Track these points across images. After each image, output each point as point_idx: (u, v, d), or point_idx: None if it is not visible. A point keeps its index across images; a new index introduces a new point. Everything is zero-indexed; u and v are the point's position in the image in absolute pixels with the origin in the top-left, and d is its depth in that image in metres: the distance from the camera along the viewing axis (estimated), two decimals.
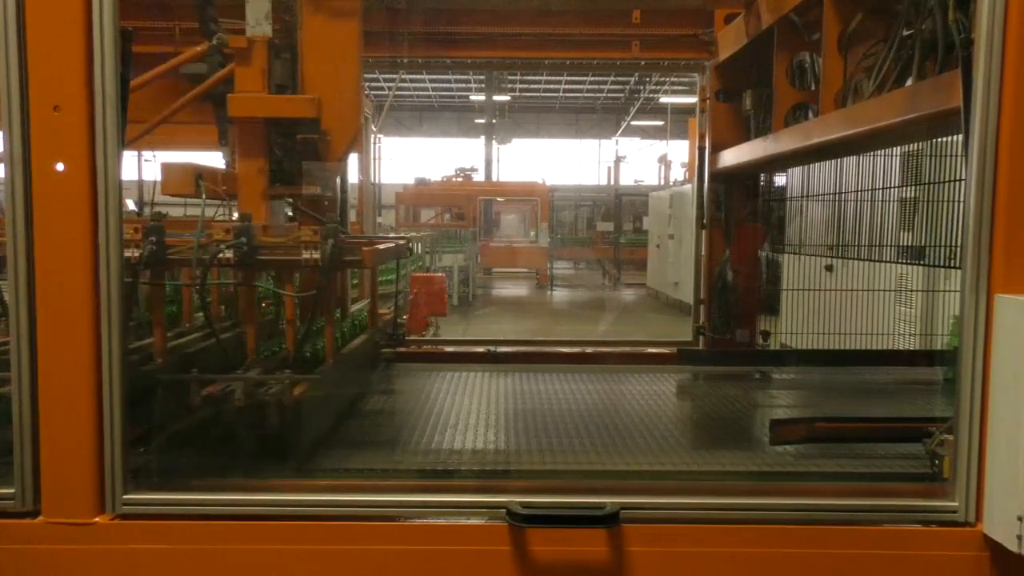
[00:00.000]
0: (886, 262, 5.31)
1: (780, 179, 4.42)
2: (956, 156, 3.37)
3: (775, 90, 3.41)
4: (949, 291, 5.96)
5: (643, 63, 4.24)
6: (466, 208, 21.16)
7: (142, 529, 1.93)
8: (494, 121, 27.70)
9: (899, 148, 3.90)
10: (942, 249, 3.88)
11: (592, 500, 1.96)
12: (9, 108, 1.84)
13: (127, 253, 2.19)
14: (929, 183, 3.93)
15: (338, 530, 1.94)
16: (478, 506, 2.00)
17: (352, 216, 4.86)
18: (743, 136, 3.92)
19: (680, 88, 26.04)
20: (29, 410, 1.90)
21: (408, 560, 1.94)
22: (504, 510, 1.92)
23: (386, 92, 21.51)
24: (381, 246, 3.08)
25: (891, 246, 4.39)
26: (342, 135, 2.83)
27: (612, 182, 29.26)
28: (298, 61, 2.81)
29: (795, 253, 5.00)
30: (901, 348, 6.29)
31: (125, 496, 1.92)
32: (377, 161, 9.33)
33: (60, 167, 1.86)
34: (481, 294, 19.04)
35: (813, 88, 3.38)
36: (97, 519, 1.92)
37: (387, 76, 21.51)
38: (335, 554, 1.94)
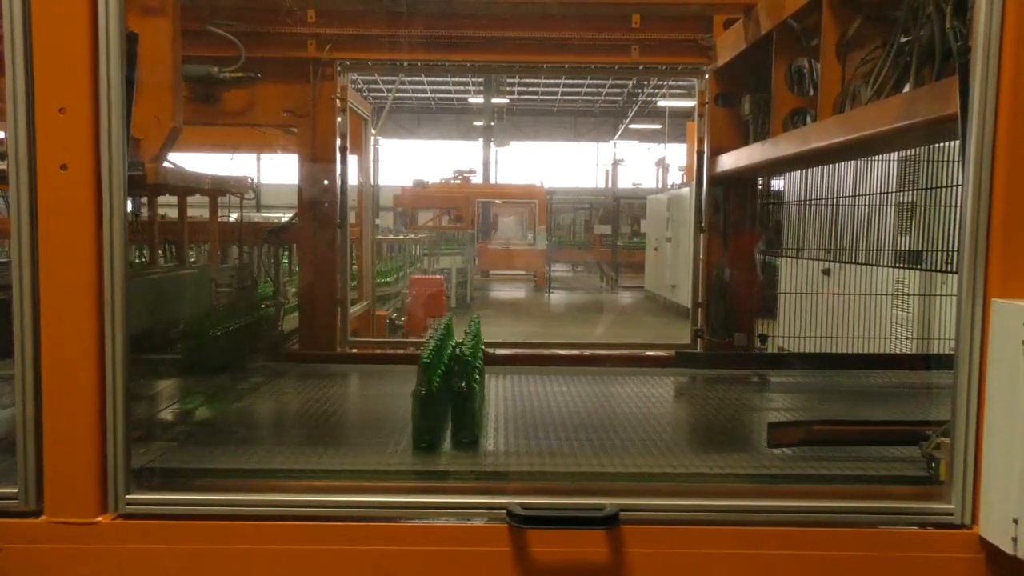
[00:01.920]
0: (883, 266, 5.34)
1: (778, 183, 4.45)
2: (952, 161, 3.40)
3: (774, 95, 3.43)
4: (946, 295, 5.99)
5: (640, 67, 4.26)
6: (464, 210, 21.20)
7: (145, 529, 1.94)
8: (492, 124, 27.72)
9: (896, 153, 3.93)
10: (938, 254, 3.91)
11: (592, 501, 1.98)
12: (15, 110, 1.86)
13: None
14: (926, 188, 3.95)
15: (340, 531, 1.95)
16: (478, 507, 2.01)
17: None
18: (741, 140, 3.94)
19: (678, 92, 26.09)
20: (32, 409, 1.91)
21: (409, 561, 1.95)
22: (504, 511, 1.93)
23: (385, 95, 21.54)
24: None
25: (888, 250, 4.42)
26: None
27: (610, 185, 29.30)
28: None
29: (792, 257, 5.03)
30: (898, 352, 6.31)
31: (128, 496, 1.94)
32: (375, 163, 9.34)
33: (65, 169, 1.87)
34: (479, 296, 19.06)
35: (811, 93, 3.40)
36: (100, 519, 1.93)
37: (386, 79, 21.55)
38: (336, 554, 1.95)
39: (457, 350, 2.58)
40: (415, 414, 2.40)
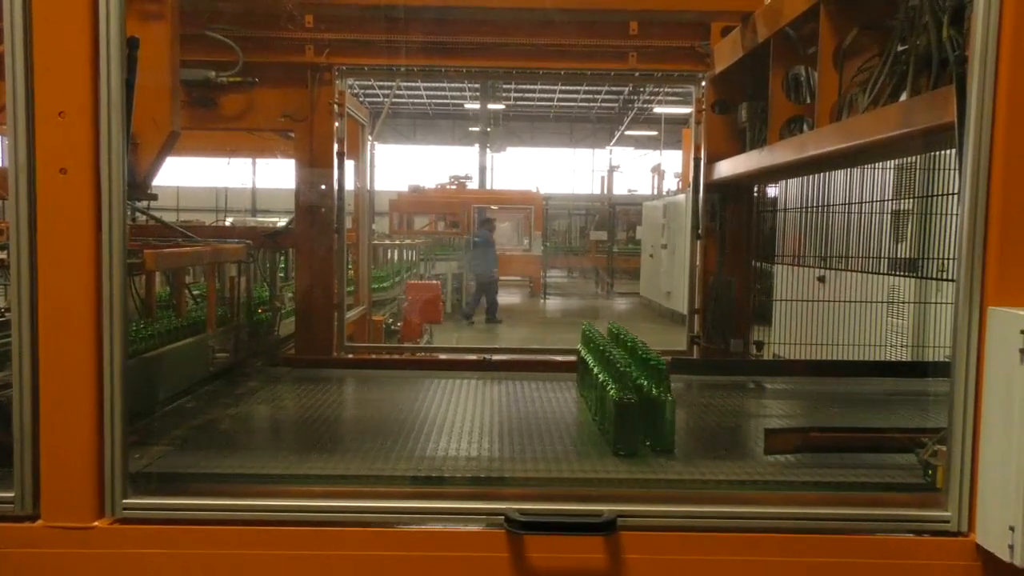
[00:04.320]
0: (878, 274, 5.36)
1: (773, 190, 4.46)
2: (948, 169, 3.42)
3: (771, 103, 3.43)
4: (941, 303, 6.01)
5: (637, 74, 4.27)
6: (460, 216, 21.19)
7: (142, 533, 1.93)
8: (488, 129, 27.77)
9: (893, 161, 3.94)
10: (934, 261, 3.92)
11: (589, 508, 1.98)
12: (15, 113, 1.86)
13: None
14: (922, 196, 3.97)
15: (337, 536, 1.95)
16: (476, 513, 2.01)
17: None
18: (738, 147, 3.95)
19: (674, 99, 26.18)
20: (30, 414, 1.91)
21: (406, 566, 1.95)
22: (502, 517, 1.93)
23: (382, 100, 21.57)
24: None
25: (884, 258, 4.43)
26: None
27: (606, 191, 29.34)
28: None
29: (788, 264, 5.04)
30: (893, 359, 6.33)
31: (125, 500, 1.93)
32: (372, 168, 9.35)
33: (64, 173, 1.87)
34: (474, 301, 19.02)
35: (808, 101, 3.41)
36: (97, 523, 1.93)
37: (383, 84, 21.60)
38: (334, 560, 1.95)
39: (648, 358, 2.59)
40: (617, 422, 2.41)
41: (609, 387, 2.54)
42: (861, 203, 3.99)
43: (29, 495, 1.92)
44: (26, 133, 1.86)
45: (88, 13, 1.85)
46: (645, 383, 2.50)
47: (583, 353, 3.18)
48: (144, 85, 2.06)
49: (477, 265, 16.50)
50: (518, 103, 31.35)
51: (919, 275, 4.44)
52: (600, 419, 2.69)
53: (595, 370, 2.84)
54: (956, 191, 1.94)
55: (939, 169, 3.76)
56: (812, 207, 4.04)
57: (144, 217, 3.81)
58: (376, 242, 11.54)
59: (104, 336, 1.90)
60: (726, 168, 3.91)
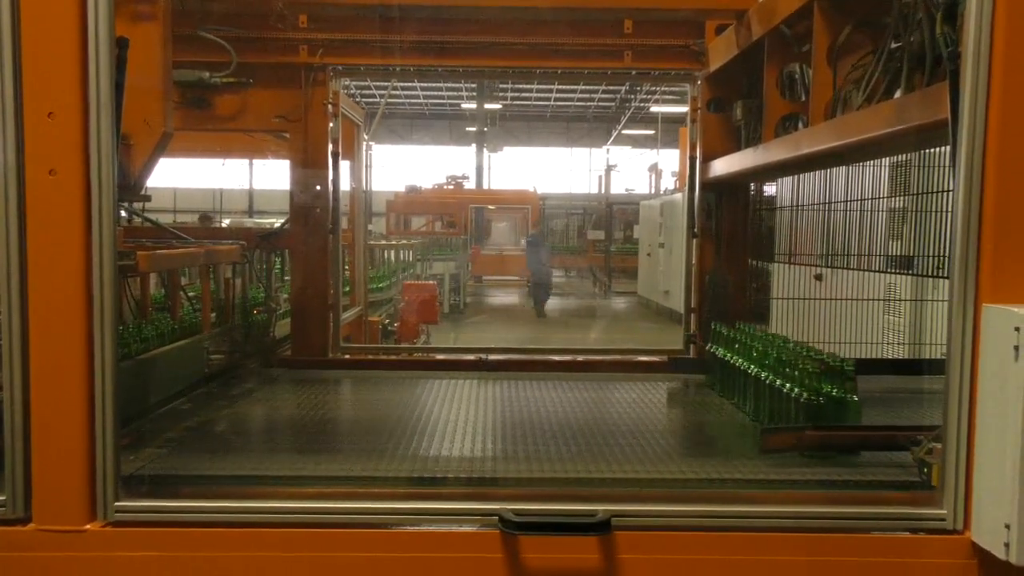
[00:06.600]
0: (875, 271, 5.35)
1: (770, 189, 4.46)
2: (943, 167, 3.41)
3: (765, 101, 3.43)
4: (937, 301, 6.01)
5: (633, 72, 4.26)
6: (457, 216, 21.21)
7: (134, 536, 1.92)
8: (485, 129, 27.76)
9: (888, 159, 3.94)
10: (930, 259, 3.92)
11: (584, 508, 1.97)
12: (3, 114, 1.85)
13: None
14: (917, 193, 3.97)
15: (331, 538, 1.94)
16: (470, 513, 2.01)
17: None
18: (734, 146, 3.94)
19: (670, 98, 26.17)
20: (21, 416, 1.89)
21: (400, 568, 1.94)
22: (496, 517, 1.92)
23: (378, 100, 21.55)
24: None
25: (880, 256, 4.43)
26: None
27: (603, 191, 29.34)
28: None
29: (785, 262, 5.04)
30: (890, 357, 6.33)
31: (117, 503, 1.92)
32: (368, 168, 9.34)
33: (53, 174, 1.86)
34: (472, 302, 19.05)
35: (803, 99, 3.40)
36: (89, 526, 1.92)
37: (379, 84, 21.57)
38: (327, 562, 1.94)
39: (825, 358, 2.57)
40: (802, 422, 2.41)
41: (789, 389, 2.51)
42: (859, 200, 3.98)
43: (20, 498, 1.91)
44: (15, 134, 1.85)
45: (76, 13, 1.84)
46: (820, 384, 2.48)
47: (721, 354, 3.17)
48: (136, 86, 2.05)
49: (532, 262, 17.92)
50: (515, 103, 31.31)
51: (915, 272, 4.44)
52: (769, 421, 2.67)
53: (752, 370, 2.83)
54: (951, 188, 1.93)
55: (934, 166, 3.75)
56: (808, 205, 4.03)
57: (139, 219, 3.79)
58: (372, 243, 11.51)
59: (95, 338, 1.89)
60: (721, 167, 3.90)
